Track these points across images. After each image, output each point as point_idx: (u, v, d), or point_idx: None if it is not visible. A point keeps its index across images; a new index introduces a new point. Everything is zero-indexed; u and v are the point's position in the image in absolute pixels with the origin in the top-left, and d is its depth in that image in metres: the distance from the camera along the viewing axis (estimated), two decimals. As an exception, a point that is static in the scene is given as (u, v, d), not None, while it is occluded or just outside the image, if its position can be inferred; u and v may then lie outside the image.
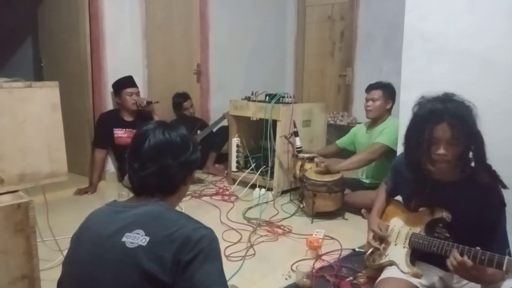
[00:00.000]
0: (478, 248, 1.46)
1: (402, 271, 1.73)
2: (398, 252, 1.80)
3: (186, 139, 1.23)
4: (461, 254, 1.47)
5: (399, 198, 2.06)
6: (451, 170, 1.63)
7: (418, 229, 1.76)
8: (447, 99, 1.60)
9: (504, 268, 1.38)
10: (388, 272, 1.78)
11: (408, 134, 1.68)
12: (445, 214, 1.69)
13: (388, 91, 3.23)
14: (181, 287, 1.00)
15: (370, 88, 3.28)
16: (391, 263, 1.80)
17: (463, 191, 1.64)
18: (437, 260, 1.71)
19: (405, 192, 1.90)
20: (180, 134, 1.22)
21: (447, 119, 1.53)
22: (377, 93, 3.21)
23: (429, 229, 1.74)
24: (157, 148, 1.18)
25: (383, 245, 1.89)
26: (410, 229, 1.80)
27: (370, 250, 1.93)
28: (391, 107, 3.24)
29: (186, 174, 1.23)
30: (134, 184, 1.22)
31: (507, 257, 1.39)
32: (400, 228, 1.86)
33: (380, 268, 1.87)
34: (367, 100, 3.26)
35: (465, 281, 1.66)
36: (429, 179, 1.67)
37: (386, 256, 1.86)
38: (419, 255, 1.76)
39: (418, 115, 1.63)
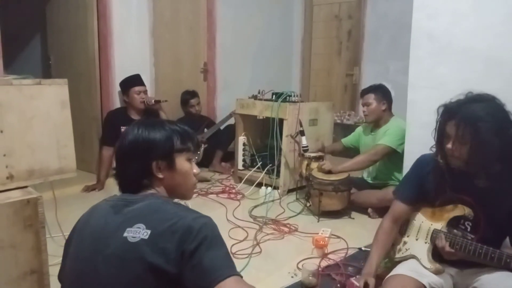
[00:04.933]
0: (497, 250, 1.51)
1: (424, 267, 1.73)
2: (419, 247, 1.80)
3: (135, 139, 1.22)
4: (485, 255, 1.54)
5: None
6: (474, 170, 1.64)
7: (439, 225, 1.76)
8: (474, 99, 1.61)
9: None
10: (398, 269, 1.77)
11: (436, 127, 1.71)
12: (467, 212, 1.68)
13: (380, 92, 3.22)
14: (190, 275, 1.01)
15: (363, 93, 3.30)
16: (413, 257, 1.80)
17: (494, 185, 1.63)
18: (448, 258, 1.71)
19: (431, 190, 1.82)
20: (130, 138, 1.23)
21: (456, 118, 1.58)
22: (369, 97, 3.22)
23: (451, 226, 1.74)
24: (121, 150, 1.24)
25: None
26: (431, 224, 1.79)
27: (398, 247, 1.91)
28: (387, 107, 3.22)
29: (143, 167, 1.21)
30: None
31: None
32: (421, 222, 1.85)
33: (399, 262, 1.85)
34: (362, 105, 3.29)
35: (475, 278, 1.67)
36: (456, 173, 1.68)
37: (407, 250, 1.85)
38: (439, 253, 1.75)
39: (443, 108, 1.67)
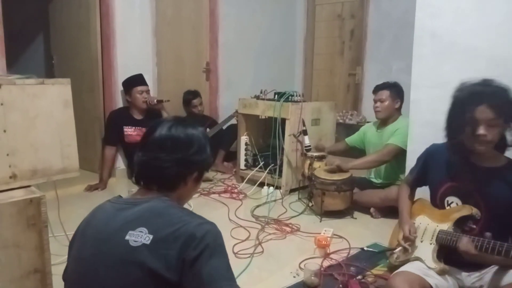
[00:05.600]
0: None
1: (428, 267, 1.73)
2: (424, 249, 1.81)
3: (192, 138, 1.21)
4: (492, 250, 1.53)
5: (421, 195, 2.06)
6: (490, 154, 1.66)
7: (446, 226, 1.77)
8: (486, 83, 1.64)
9: None
10: (405, 268, 1.77)
11: (450, 117, 1.72)
12: (474, 211, 1.69)
13: (395, 91, 3.21)
14: (189, 284, 1.00)
15: (377, 89, 3.27)
16: (417, 259, 1.81)
17: (499, 178, 1.66)
18: (457, 260, 1.71)
19: (435, 179, 1.88)
20: (187, 132, 1.21)
21: (486, 100, 1.58)
22: (384, 94, 3.20)
23: (458, 226, 1.74)
24: (157, 141, 1.19)
25: (408, 244, 1.88)
26: (437, 226, 1.80)
27: (399, 248, 1.92)
28: (400, 106, 3.23)
29: (184, 173, 1.20)
30: (135, 170, 1.22)
31: None
32: (426, 225, 1.86)
33: (401, 265, 1.86)
34: (375, 101, 3.25)
35: (482, 282, 1.67)
36: (468, 161, 1.70)
37: (412, 252, 1.86)
38: (444, 254, 1.76)
39: (458, 98, 1.68)
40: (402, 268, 1.78)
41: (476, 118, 1.59)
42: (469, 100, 1.62)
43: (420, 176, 1.99)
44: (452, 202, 1.80)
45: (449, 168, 1.78)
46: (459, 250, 1.62)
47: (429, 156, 1.93)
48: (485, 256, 1.59)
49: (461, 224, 1.74)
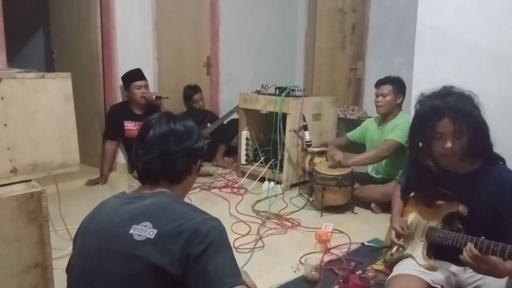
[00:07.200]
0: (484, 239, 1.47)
1: (418, 264, 1.74)
2: (415, 246, 1.82)
3: (190, 128, 1.24)
4: (474, 246, 1.47)
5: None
6: (460, 162, 1.64)
7: (435, 223, 1.77)
8: (446, 93, 1.62)
9: None
10: (400, 268, 1.78)
11: (411, 133, 1.74)
12: (461, 208, 1.69)
13: (398, 86, 3.19)
14: (194, 280, 1.00)
15: (380, 83, 3.24)
16: (408, 256, 1.82)
17: (476, 183, 1.64)
18: (450, 255, 1.70)
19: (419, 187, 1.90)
20: (184, 123, 1.23)
21: (448, 113, 1.56)
22: (387, 88, 3.17)
23: (446, 223, 1.75)
24: (161, 136, 1.19)
25: (402, 241, 1.89)
26: (427, 223, 1.81)
27: (395, 248, 1.94)
28: (402, 102, 3.22)
29: (191, 162, 1.23)
30: (138, 170, 1.22)
31: None
32: (417, 222, 1.87)
33: (396, 262, 1.87)
34: (377, 95, 3.22)
35: (478, 276, 1.66)
36: (442, 169, 1.68)
37: (404, 249, 1.87)
38: (434, 250, 1.77)
39: (419, 113, 1.66)
40: (397, 271, 1.78)
41: (439, 131, 1.58)
42: (431, 114, 1.59)
43: (406, 185, 2.00)
44: (440, 203, 1.81)
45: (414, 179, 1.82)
46: (464, 262, 1.49)
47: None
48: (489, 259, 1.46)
49: (449, 221, 1.75)
